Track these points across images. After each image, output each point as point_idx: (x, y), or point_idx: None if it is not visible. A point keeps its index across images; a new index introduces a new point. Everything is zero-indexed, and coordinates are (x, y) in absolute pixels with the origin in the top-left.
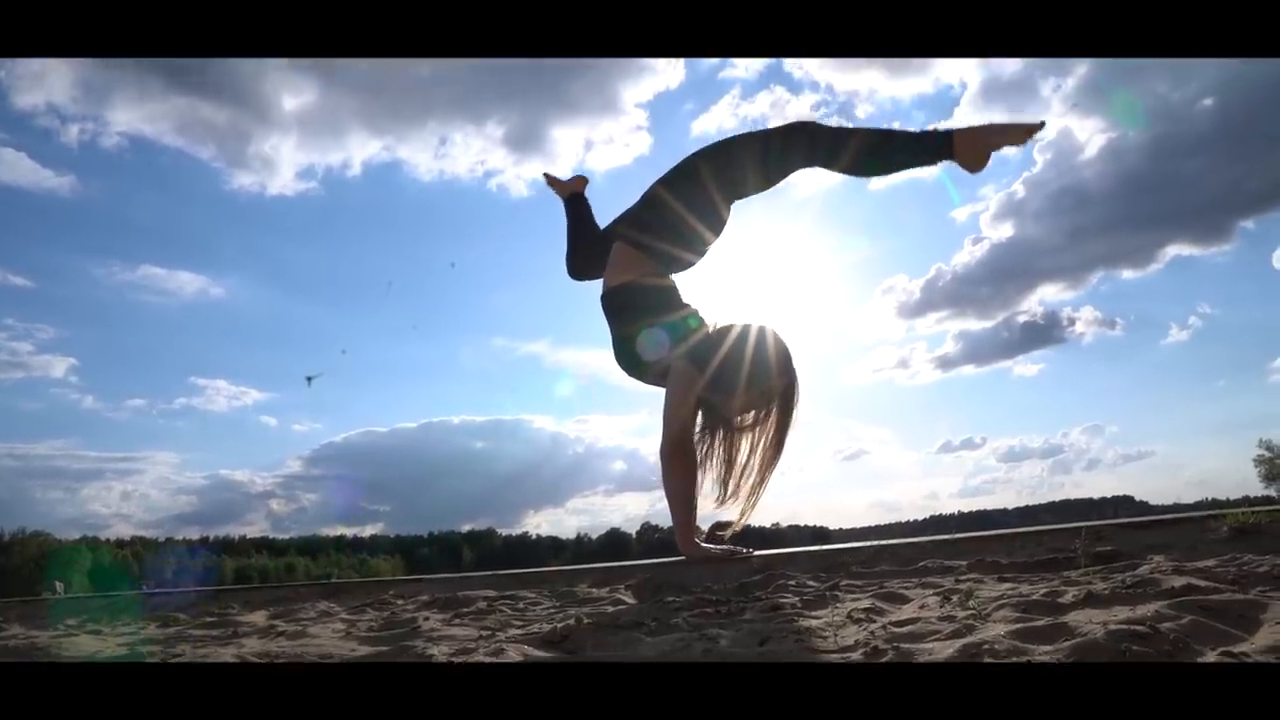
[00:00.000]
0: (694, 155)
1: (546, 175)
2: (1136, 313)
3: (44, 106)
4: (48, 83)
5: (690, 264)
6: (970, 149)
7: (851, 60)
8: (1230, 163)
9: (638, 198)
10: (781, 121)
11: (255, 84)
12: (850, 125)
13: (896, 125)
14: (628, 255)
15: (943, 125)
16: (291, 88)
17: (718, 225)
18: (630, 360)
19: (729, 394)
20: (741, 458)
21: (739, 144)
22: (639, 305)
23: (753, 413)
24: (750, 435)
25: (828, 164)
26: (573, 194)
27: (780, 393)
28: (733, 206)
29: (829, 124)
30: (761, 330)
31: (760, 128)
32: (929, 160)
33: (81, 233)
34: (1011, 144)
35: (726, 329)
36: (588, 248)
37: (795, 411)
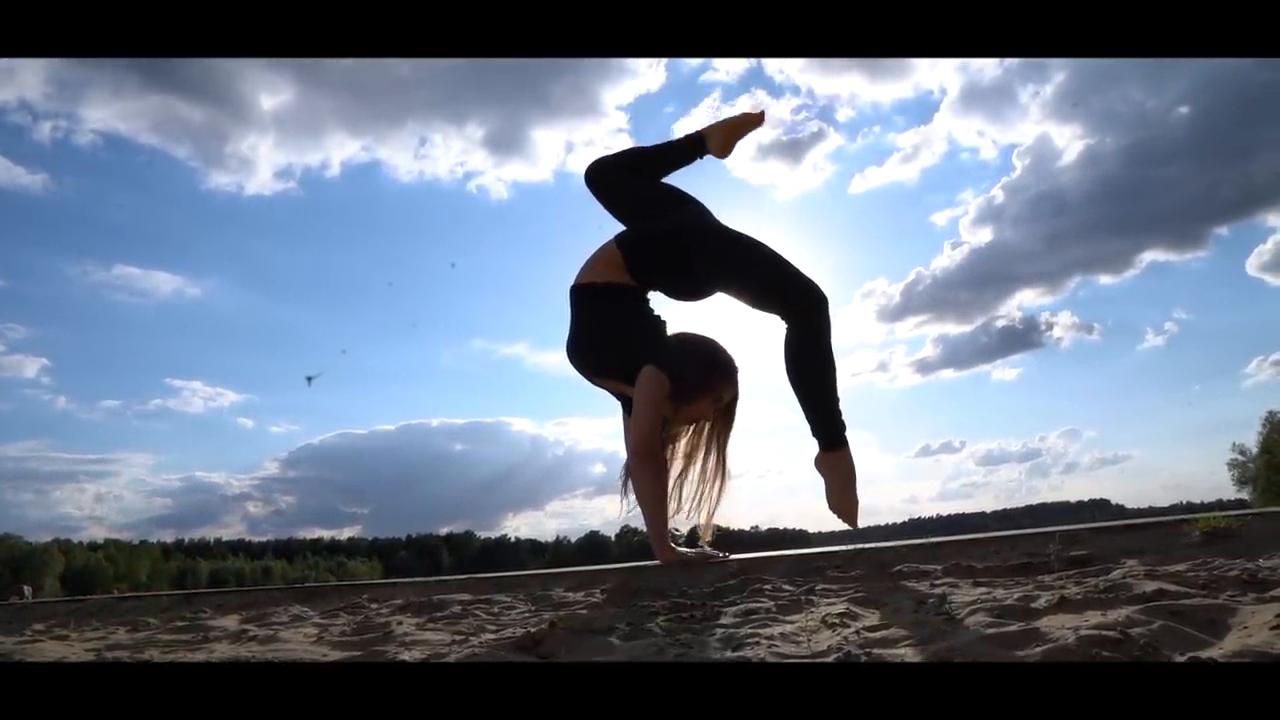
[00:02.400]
0: (739, 232)
1: (763, 115)
2: (1114, 318)
3: (15, 103)
4: (19, 78)
5: (662, 292)
6: (830, 469)
7: (833, 63)
8: (1205, 170)
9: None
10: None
11: (233, 83)
12: (830, 352)
13: (840, 406)
14: (613, 258)
15: (847, 432)
16: (269, 87)
17: (705, 286)
18: (585, 358)
19: (684, 402)
20: (686, 467)
21: (773, 261)
22: (609, 309)
23: (693, 424)
24: (695, 443)
25: (789, 333)
26: (703, 145)
27: (726, 403)
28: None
29: (827, 329)
30: (711, 340)
31: (795, 267)
32: (813, 432)
33: (55, 231)
34: (841, 508)
35: (681, 336)
36: (637, 184)
37: (734, 421)
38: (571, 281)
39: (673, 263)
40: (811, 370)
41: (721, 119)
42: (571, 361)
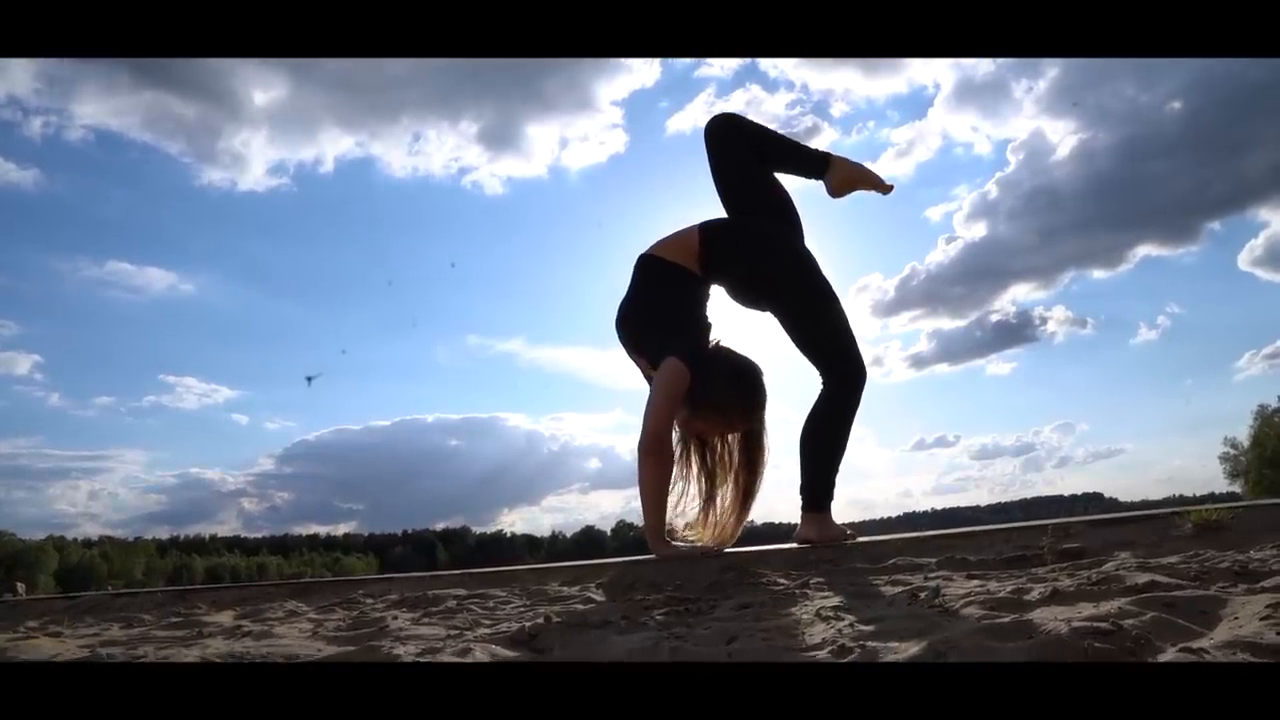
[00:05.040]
0: (820, 274)
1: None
2: (1107, 312)
3: (5, 99)
4: (9, 74)
5: (725, 290)
6: (807, 528)
7: (827, 59)
8: (1197, 165)
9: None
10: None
11: (225, 78)
12: (849, 429)
13: (843, 453)
14: (690, 244)
15: (829, 498)
16: (262, 83)
17: (765, 307)
18: (628, 328)
19: (693, 411)
20: (718, 481)
21: (839, 323)
22: (666, 290)
23: (714, 437)
24: (722, 459)
25: (822, 397)
26: (824, 170)
27: (746, 429)
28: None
29: (856, 407)
30: (752, 365)
31: (854, 337)
32: (801, 490)
33: (47, 228)
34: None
35: (721, 348)
36: (757, 171)
37: (764, 450)
38: (645, 249)
39: (746, 274)
40: (827, 438)
41: (855, 161)
42: (617, 327)
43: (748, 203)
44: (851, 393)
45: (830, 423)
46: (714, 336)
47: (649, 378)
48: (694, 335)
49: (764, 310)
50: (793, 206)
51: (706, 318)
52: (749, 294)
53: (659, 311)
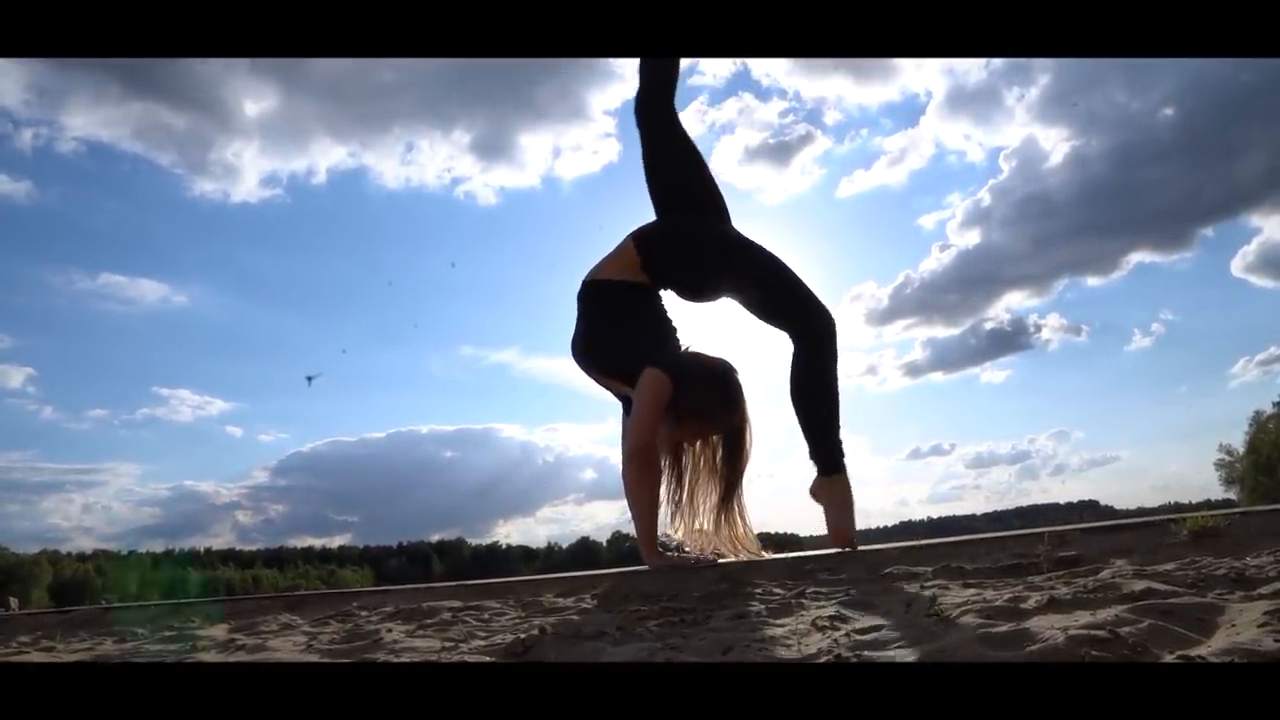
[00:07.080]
0: (759, 246)
1: None
2: (1101, 319)
3: None
4: None
5: (674, 291)
6: (828, 494)
7: (819, 66)
8: (1190, 171)
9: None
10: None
11: (216, 89)
12: (835, 380)
13: (841, 436)
14: (628, 256)
15: (844, 460)
16: (253, 93)
17: (718, 293)
18: (591, 357)
19: (679, 414)
20: (693, 483)
21: (792, 283)
22: (620, 308)
23: (698, 441)
24: (699, 462)
25: (798, 357)
26: None
27: (729, 428)
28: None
29: (836, 357)
30: (725, 363)
31: (811, 291)
32: (811, 455)
33: (39, 240)
34: (838, 534)
35: (691, 353)
36: (698, 168)
37: (746, 448)
38: (584, 277)
39: (689, 268)
40: (817, 396)
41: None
42: (576, 359)
43: (673, 197)
44: (828, 344)
45: (818, 380)
46: (683, 342)
47: (621, 396)
48: (663, 345)
49: (715, 300)
50: (718, 195)
51: (671, 322)
52: (698, 289)
53: (621, 331)
